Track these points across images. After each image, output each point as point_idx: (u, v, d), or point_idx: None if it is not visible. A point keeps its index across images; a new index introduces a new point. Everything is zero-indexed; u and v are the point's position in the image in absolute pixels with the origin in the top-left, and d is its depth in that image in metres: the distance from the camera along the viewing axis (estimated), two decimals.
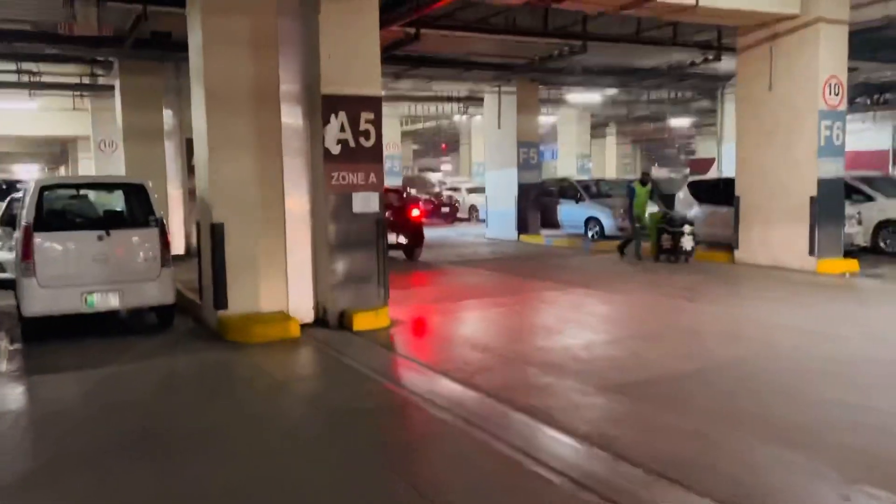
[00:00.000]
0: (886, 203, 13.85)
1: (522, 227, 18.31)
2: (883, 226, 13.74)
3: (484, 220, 23.65)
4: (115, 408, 5.51)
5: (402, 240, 14.06)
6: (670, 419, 4.96)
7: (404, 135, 32.80)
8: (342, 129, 8.09)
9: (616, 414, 5.17)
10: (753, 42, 12.45)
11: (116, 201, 9.21)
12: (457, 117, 29.09)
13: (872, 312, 8.55)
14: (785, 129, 12.00)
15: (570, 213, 18.09)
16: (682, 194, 16.01)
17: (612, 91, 23.53)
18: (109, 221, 8.13)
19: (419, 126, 31.35)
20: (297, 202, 8.39)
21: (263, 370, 6.53)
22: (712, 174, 32.61)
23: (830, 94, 11.63)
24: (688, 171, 36.64)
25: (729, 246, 13.92)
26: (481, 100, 22.05)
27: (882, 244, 13.71)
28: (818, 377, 5.92)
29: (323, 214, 8.16)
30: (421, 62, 15.25)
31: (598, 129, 33.70)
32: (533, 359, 6.60)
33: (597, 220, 17.27)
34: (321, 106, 8.02)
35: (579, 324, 8.22)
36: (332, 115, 8.04)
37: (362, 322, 8.00)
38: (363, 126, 8.22)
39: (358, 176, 8.22)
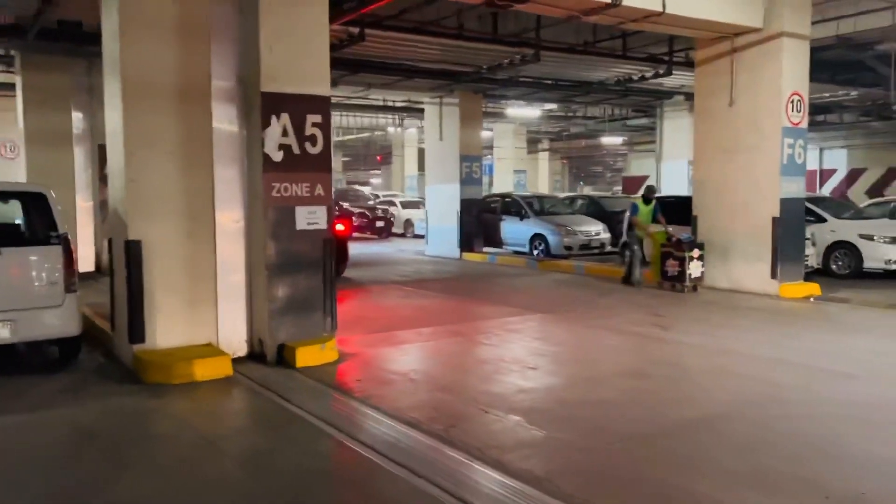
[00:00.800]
0: (838, 224, 13.63)
1: (465, 244, 17.45)
2: (835, 247, 13.50)
3: (420, 236, 22.74)
4: None
5: None
6: (702, 487, 4.09)
7: (335, 146, 31.56)
8: (285, 132, 7.01)
9: (637, 481, 4.24)
10: (713, 55, 12.00)
11: (11, 213, 7.83)
12: (391, 129, 28.14)
13: (860, 344, 7.96)
14: (746, 147, 11.54)
15: (515, 230, 17.32)
16: (630, 213, 15.44)
17: (550, 106, 23.10)
18: (1, 237, 6.78)
19: (352, 137, 30.19)
20: (231, 216, 7.24)
21: (189, 423, 5.35)
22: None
23: (793, 110, 11.25)
24: (619, 189, 36.79)
25: None
26: (418, 111, 21.19)
27: (834, 266, 13.45)
28: (844, 426, 5.18)
29: (260, 231, 7.04)
30: (361, 67, 14.23)
31: (531, 145, 33.33)
32: (513, 404, 5.66)
33: (542, 238, 16.56)
34: (260, 106, 6.92)
35: (552, 358, 7.34)
36: (274, 117, 6.95)
37: (306, 357, 6.90)
38: (309, 130, 7.16)
39: (302, 187, 7.14)
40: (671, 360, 7.18)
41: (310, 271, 7.22)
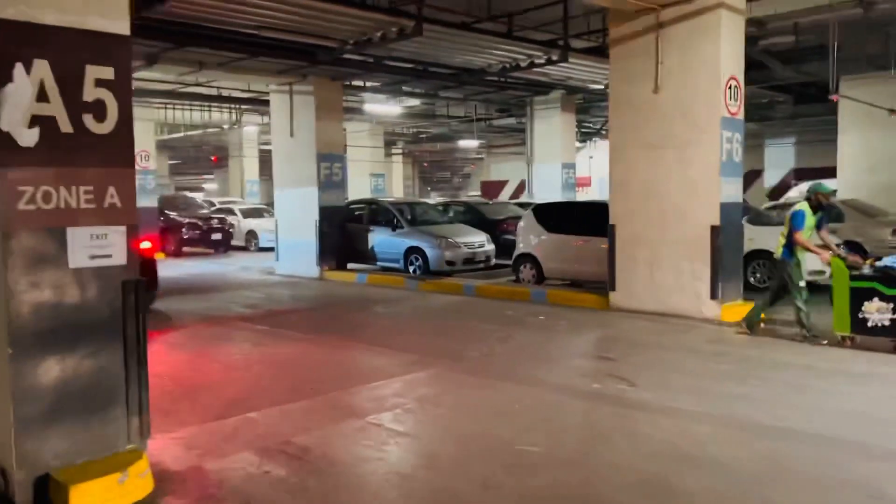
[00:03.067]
0: (756, 231, 12.07)
1: (326, 260, 14.48)
2: (753, 257, 11.92)
3: (266, 249, 19.52)
4: None
5: None
6: None
7: (159, 147, 27.11)
8: (42, 94, 3.89)
9: None
10: (633, 33, 9.91)
11: None
12: (226, 126, 24.44)
13: None
14: (679, 142, 9.56)
15: (386, 243, 14.56)
16: (525, 221, 13.24)
17: (412, 102, 20.68)
18: None
19: (178, 136, 26.07)
20: None
21: None
22: (504, 197, 31.28)
23: (731, 98, 9.39)
24: (478, 194, 35.11)
25: (595, 286, 11.32)
26: (262, 102, 17.99)
27: (752, 278, 11.88)
28: None
29: None
30: (190, 37, 10.95)
31: (385, 147, 30.76)
32: None
33: (420, 252, 13.93)
34: None
35: (514, 456, 4.69)
36: (19, 67, 3.82)
37: (92, 497, 3.82)
38: (91, 93, 4.06)
39: (80, 192, 4.03)
40: (688, 449, 4.75)
41: (98, 340, 4.12)
